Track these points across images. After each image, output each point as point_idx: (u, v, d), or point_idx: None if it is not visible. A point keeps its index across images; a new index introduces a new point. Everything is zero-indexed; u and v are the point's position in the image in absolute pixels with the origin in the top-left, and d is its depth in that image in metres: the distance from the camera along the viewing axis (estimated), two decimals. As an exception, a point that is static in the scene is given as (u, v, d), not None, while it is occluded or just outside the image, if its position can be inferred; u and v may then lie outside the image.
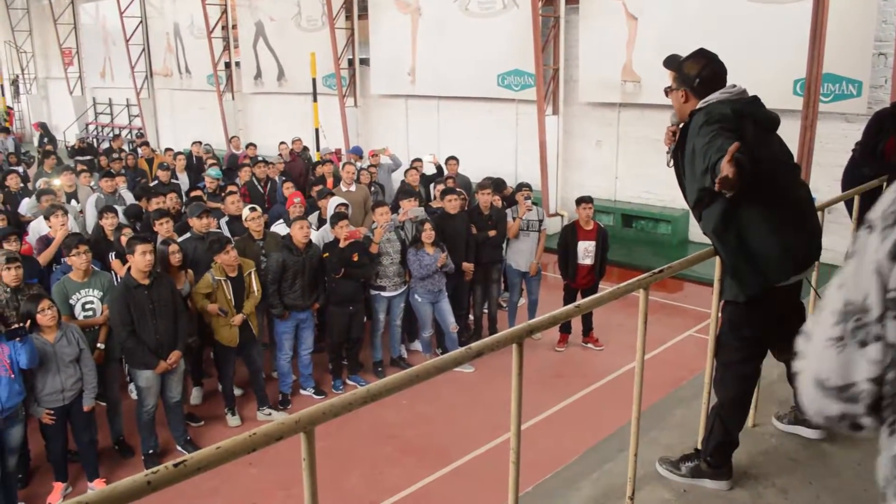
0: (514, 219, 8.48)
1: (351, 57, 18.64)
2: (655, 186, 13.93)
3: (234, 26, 21.74)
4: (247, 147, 14.62)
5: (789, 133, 9.77)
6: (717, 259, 2.98)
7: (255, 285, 6.77)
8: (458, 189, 8.80)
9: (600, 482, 3.20)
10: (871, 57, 11.93)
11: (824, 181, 9.09)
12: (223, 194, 9.03)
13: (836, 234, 7.02)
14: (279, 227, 8.14)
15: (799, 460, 3.33)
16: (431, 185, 10.46)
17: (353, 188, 9.75)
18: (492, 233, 8.29)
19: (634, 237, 13.56)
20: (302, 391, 7.51)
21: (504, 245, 8.62)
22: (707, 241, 3.07)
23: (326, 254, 7.27)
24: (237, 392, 7.32)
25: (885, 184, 4.78)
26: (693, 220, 13.39)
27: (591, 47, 14.21)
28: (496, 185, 9.15)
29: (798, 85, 10.91)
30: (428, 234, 7.59)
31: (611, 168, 14.51)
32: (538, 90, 14.22)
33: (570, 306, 2.44)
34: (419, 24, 16.74)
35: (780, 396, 3.93)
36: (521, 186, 8.90)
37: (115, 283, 6.45)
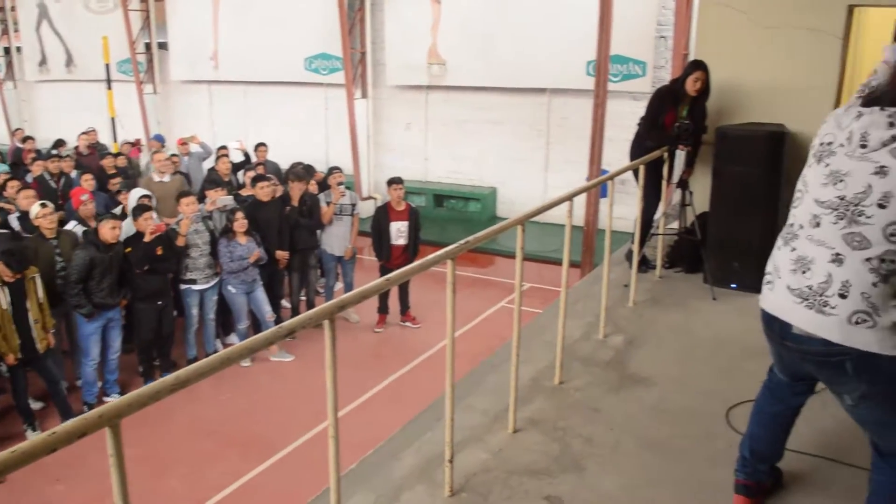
0: (328, 204, 8.44)
1: (148, 41, 17.62)
2: (464, 166, 14.38)
3: (14, 7, 19.87)
4: (23, 141, 13.33)
5: (585, 111, 10.42)
6: (519, 229, 3.12)
7: (39, 292, 6.19)
8: (268, 175, 8.62)
9: (422, 450, 3.28)
10: (653, 39, 12.93)
11: (616, 155, 9.75)
12: (16, 190, 8.27)
13: (625, 203, 7.57)
14: (75, 227, 7.52)
15: (600, 409, 3.59)
16: (239, 173, 10.16)
17: (166, 178, 9.26)
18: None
19: (446, 216, 13.92)
20: (105, 398, 6.98)
21: (319, 230, 8.56)
22: (510, 214, 3.21)
23: (129, 248, 6.87)
24: (36, 406, 6.74)
25: (665, 154, 5.23)
26: (501, 198, 14.10)
27: (398, 30, 14.35)
28: (306, 170, 9.06)
29: (590, 66, 11.62)
30: (240, 223, 7.38)
31: (421, 149, 14.80)
32: (346, 74, 14.18)
33: (380, 280, 2.48)
34: (220, 6, 16.13)
35: (581, 354, 4.22)
36: (333, 170, 8.87)
37: None
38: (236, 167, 10.44)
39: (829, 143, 2.22)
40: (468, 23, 13.75)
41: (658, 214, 5.56)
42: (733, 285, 5.24)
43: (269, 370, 7.44)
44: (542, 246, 10.91)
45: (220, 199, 7.88)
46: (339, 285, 9.01)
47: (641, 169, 4.80)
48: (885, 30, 7.16)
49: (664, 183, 5.35)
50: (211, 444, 6.32)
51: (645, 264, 5.66)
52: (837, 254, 2.13)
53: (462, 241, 2.75)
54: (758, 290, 2.44)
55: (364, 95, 14.71)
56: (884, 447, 2.27)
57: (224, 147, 11.15)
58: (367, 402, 6.89)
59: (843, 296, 2.11)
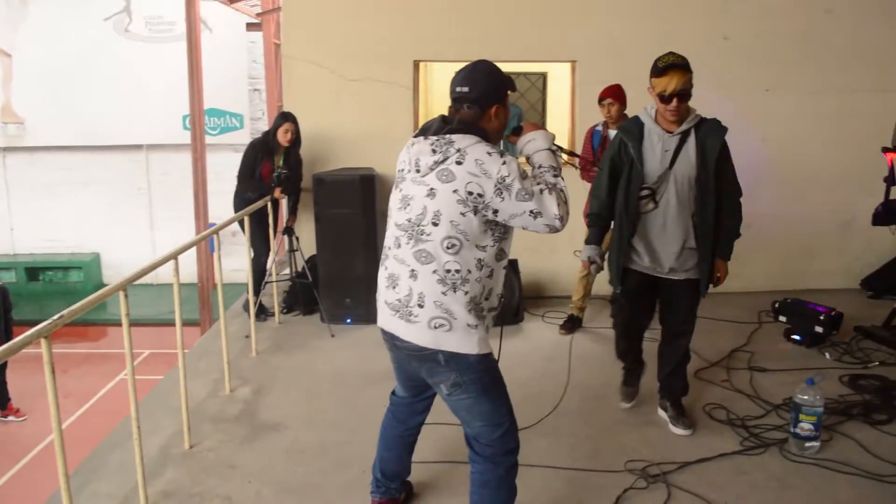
0: None
1: None
2: (60, 233, 13.17)
3: None
4: None
5: (186, 166, 10.22)
6: (121, 295, 2.99)
7: None
8: None
9: (39, 556, 2.95)
10: (248, 93, 13.20)
11: (226, 208, 9.74)
12: None
13: (240, 255, 7.58)
14: None
15: (236, 465, 3.55)
16: None
17: None
18: None
19: (45, 290, 12.63)
20: None
21: None
22: (118, 280, 3.07)
23: None
24: None
25: (268, 204, 5.39)
26: (106, 263, 13.15)
27: (-44, 88, 12.72)
28: None
29: (186, 120, 11.48)
30: None
31: (4, 220, 13.20)
32: None
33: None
34: None
35: (209, 413, 4.14)
36: None
37: None
38: None
39: (402, 170, 2.51)
40: (48, 78, 12.70)
41: (270, 262, 5.70)
42: (348, 320, 5.56)
43: None
44: (158, 309, 10.44)
45: None
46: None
47: (246, 220, 4.88)
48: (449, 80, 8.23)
49: (271, 231, 5.51)
50: None
51: (263, 312, 5.75)
52: (413, 270, 2.40)
53: (56, 317, 2.55)
54: (369, 321, 2.66)
55: (-80, 163, 12.73)
56: (472, 434, 2.60)
57: None
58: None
59: (421, 305, 2.39)
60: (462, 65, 2.54)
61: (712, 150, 3.37)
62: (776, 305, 5.48)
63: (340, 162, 6.06)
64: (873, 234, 5.87)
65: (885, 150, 5.10)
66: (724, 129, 3.41)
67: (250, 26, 12.86)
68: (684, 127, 3.39)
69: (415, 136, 2.49)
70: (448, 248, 2.33)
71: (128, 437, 3.34)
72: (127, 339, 3.03)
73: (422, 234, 2.36)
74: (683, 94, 3.27)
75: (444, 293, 2.36)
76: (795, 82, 6.19)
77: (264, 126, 12.14)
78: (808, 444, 3.55)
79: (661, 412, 3.97)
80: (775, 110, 6.21)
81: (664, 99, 3.29)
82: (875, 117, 5.64)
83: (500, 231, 2.41)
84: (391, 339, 2.56)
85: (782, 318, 5.39)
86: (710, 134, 3.39)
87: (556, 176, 2.42)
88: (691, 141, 3.39)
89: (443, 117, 2.49)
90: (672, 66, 3.23)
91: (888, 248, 6.17)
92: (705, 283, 3.58)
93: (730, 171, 3.48)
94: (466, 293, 2.37)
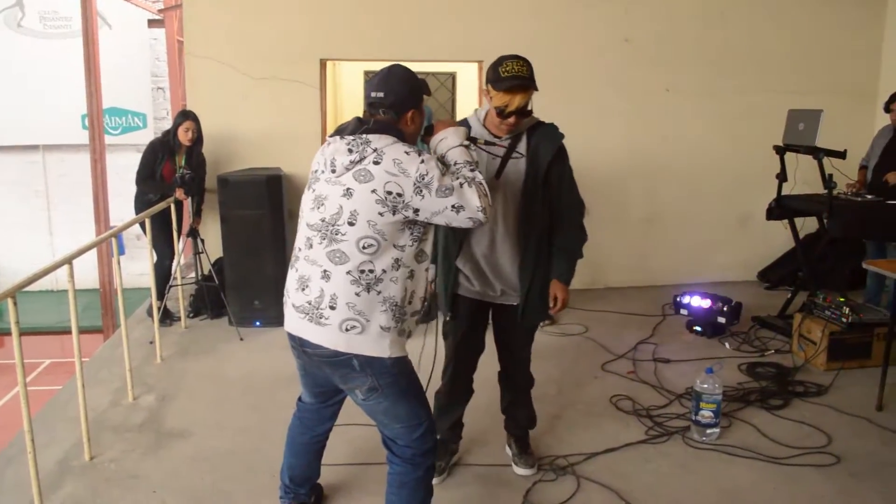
0: None
1: None
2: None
3: None
4: None
5: (87, 167, 9.83)
6: (10, 302, 2.85)
7: None
8: None
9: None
10: (150, 91, 12.79)
11: (130, 210, 9.42)
12: None
13: (144, 258, 7.34)
14: None
15: (140, 475, 3.43)
16: None
17: None
18: None
19: (-67, 300, 11.90)
20: None
21: None
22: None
23: None
24: None
25: (172, 205, 5.23)
26: (1, 270, 12.50)
27: None
28: None
29: (85, 120, 11.05)
30: None
31: None
32: None
33: None
34: None
35: (111, 422, 3.99)
36: None
37: None
38: None
39: (315, 171, 2.46)
40: None
41: (175, 265, 5.53)
42: (257, 323, 5.46)
43: None
44: (61, 316, 10.00)
45: None
46: None
47: (148, 222, 4.73)
48: (358, 79, 8.20)
49: (175, 234, 5.35)
50: None
51: (168, 317, 5.59)
52: (325, 270, 2.35)
53: None
54: (279, 323, 2.59)
55: None
56: (390, 435, 2.58)
57: None
58: None
59: (332, 307, 2.34)
60: (369, 64, 2.53)
61: (545, 157, 2.95)
62: (678, 298, 5.67)
63: (247, 162, 5.95)
64: (769, 229, 6.15)
65: (777, 148, 5.35)
66: (561, 136, 3.01)
67: (152, 23, 12.44)
68: (515, 132, 2.99)
69: (330, 136, 2.45)
70: (364, 247, 2.30)
71: (23, 451, 3.18)
72: (17, 349, 2.89)
73: (336, 234, 2.32)
74: (523, 111, 2.87)
75: (357, 294, 2.33)
76: (694, 83, 6.42)
77: (169, 125, 11.79)
78: (708, 431, 3.68)
79: (507, 449, 3.58)
80: (675, 110, 6.43)
81: (501, 114, 2.86)
82: (769, 116, 5.90)
83: (420, 231, 2.39)
84: (300, 345, 2.50)
85: (683, 311, 5.59)
86: (544, 139, 2.98)
87: (473, 170, 2.42)
88: (522, 147, 2.99)
89: (359, 119, 2.46)
90: (518, 85, 2.78)
91: (782, 241, 6.47)
92: (527, 308, 3.09)
93: (567, 182, 3.05)
94: (380, 293, 2.34)
